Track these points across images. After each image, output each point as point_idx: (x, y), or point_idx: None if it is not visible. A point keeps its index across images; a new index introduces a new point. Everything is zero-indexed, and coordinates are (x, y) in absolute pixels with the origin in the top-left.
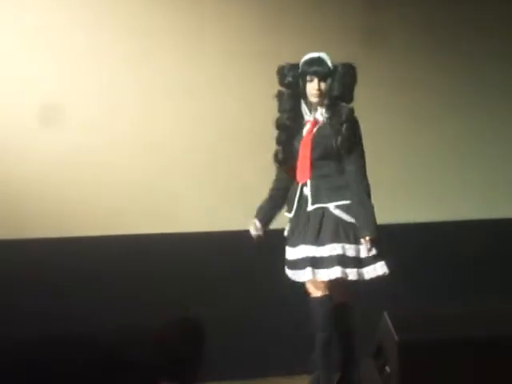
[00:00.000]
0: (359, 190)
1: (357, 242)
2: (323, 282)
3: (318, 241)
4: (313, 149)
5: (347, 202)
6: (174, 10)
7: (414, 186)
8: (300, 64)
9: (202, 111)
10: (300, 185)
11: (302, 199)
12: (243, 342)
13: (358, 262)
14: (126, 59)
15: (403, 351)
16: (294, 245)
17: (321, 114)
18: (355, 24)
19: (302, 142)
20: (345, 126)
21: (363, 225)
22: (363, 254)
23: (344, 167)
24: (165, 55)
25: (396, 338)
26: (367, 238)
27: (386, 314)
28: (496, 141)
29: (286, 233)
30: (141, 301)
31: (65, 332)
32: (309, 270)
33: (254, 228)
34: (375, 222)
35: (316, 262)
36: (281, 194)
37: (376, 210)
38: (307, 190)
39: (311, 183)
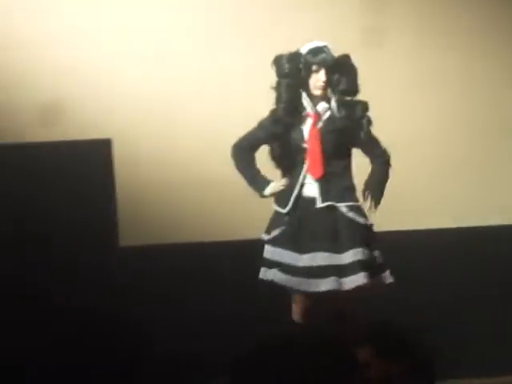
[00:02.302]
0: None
1: (372, 246)
2: (310, 304)
3: (337, 247)
4: (323, 143)
5: (357, 203)
6: None
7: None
8: (302, 53)
9: None
10: (300, 180)
11: (303, 196)
12: None
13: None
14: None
15: None
16: (300, 250)
17: (323, 108)
18: (355, 23)
19: (311, 136)
20: (365, 119)
21: (376, 186)
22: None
23: (351, 164)
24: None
25: None
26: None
27: None
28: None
29: (274, 233)
30: None
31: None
32: (333, 279)
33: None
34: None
35: (340, 271)
36: None
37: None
38: (314, 187)
39: (320, 180)
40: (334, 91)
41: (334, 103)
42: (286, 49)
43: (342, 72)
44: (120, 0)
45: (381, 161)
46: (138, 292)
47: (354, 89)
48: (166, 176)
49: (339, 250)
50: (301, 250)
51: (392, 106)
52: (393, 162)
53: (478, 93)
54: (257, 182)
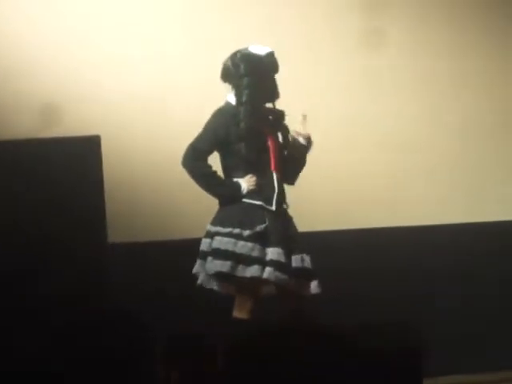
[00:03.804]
0: None
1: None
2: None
3: (308, 251)
4: (277, 143)
5: None
6: None
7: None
8: (260, 55)
9: None
10: (276, 179)
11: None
12: None
13: None
14: None
15: None
16: (288, 249)
17: (270, 111)
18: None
19: (270, 136)
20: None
21: None
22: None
23: None
24: None
25: None
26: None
27: None
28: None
29: (257, 229)
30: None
31: None
32: (316, 283)
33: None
34: None
35: (315, 274)
36: None
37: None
38: (277, 185)
39: (279, 179)
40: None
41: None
42: (283, 48)
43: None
44: (111, 1)
45: None
46: (128, 288)
47: (277, 96)
48: (154, 173)
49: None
50: (289, 249)
51: (388, 106)
52: (391, 161)
53: (473, 93)
54: (229, 185)
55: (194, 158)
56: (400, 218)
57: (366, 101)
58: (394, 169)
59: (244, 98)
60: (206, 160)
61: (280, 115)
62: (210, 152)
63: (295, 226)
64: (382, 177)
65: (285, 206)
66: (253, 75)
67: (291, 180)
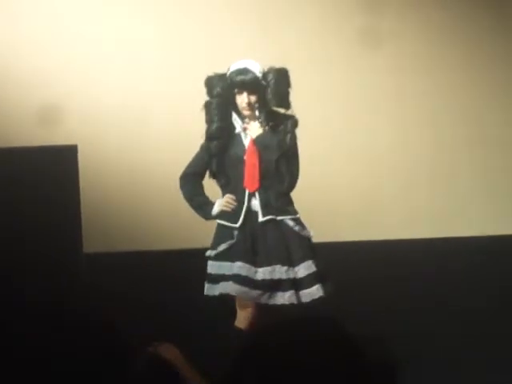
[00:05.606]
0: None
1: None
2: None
3: (291, 260)
4: (260, 157)
5: (297, 215)
6: None
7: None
8: (227, 74)
9: None
10: (247, 194)
11: (251, 210)
12: None
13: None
14: None
15: None
16: (255, 263)
17: (255, 125)
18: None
19: (248, 151)
20: (289, 136)
21: None
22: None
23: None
24: None
25: None
26: None
27: None
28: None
29: (221, 248)
30: None
31: None
32: (291, 293)
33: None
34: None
35: (296, 284)
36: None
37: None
38: (256, 200)
39: (260, 192)
40: (260, 110)
41: (261, 121)
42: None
43: (268, 90)
44: (92, 11)
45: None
46: (103, 298)
47: (283, 104)
48: (131, 183)
49: (293, 263)
50: (256, 263)
51: (363, 120)
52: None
53: (448, 107)
54: (203, 208)
55: (184, 182)
56: (373, 231)
57: (344, 114)
58: (367, 183)
59: (209, 117)
60: (195, 182)
61: (292, 123)
62: (198, 174)
63: (282, 237)
64: (356, 190)
65: (264, 218)
66: (221, 96)
67: (282, 187)
